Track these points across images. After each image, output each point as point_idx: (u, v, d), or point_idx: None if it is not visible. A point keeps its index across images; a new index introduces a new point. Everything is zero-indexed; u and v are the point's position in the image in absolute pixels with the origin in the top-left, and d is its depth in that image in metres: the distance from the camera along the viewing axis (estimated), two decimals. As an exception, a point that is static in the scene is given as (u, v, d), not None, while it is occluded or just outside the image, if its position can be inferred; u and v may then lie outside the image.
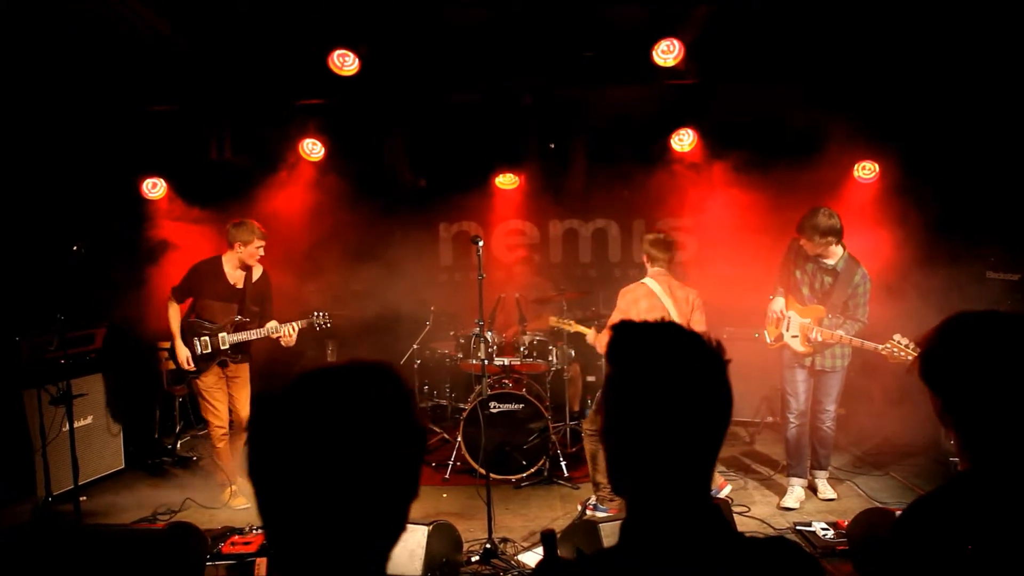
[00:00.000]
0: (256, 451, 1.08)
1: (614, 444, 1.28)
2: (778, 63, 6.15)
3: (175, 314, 5.34)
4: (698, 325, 4.96)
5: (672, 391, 1.20)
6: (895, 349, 4.50)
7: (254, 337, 5.39)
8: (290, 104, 7.12)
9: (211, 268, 5.34)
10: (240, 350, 5.42)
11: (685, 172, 7.34)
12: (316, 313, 5.40)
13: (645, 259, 5.11)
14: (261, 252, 5.32)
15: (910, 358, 4.46)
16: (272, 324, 5.40)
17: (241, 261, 5.31)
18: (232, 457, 5.45)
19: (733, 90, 6.65)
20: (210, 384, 5.36)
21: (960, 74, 5.96)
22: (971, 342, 1.52)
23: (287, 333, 5.32)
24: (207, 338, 5.29)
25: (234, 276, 5.37)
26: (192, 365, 5.28)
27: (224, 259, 5.34)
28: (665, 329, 1.29)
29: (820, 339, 4.81)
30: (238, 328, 5.36)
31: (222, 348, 5.32)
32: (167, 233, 7.07)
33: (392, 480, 1.09)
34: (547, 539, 1.38)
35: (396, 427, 1.09)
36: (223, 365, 5.41)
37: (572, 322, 5.60)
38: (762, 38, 5.99)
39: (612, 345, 1.29)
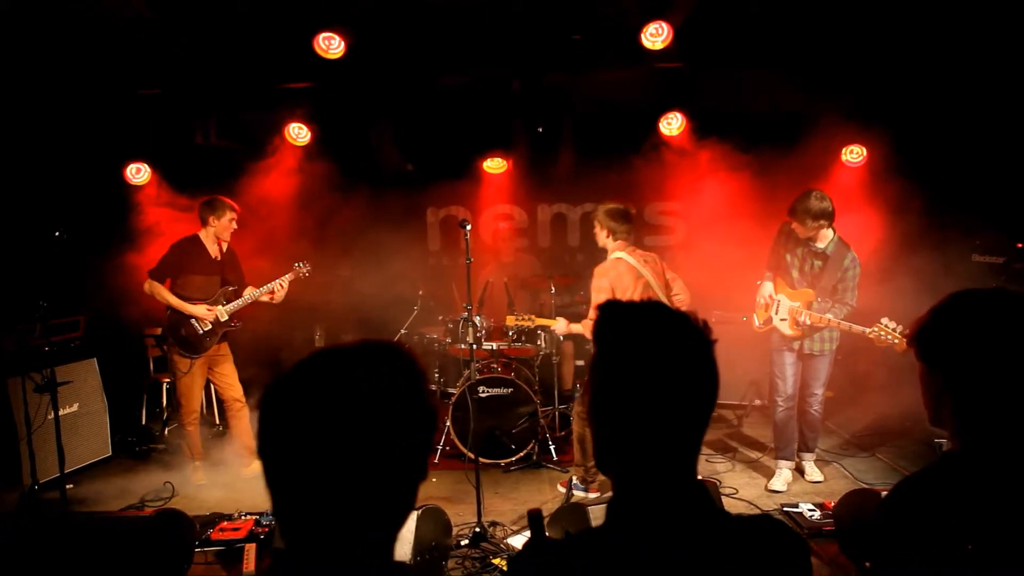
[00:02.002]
0: (267, 430, 1.07)
1: (601, 423, 1.28)
2: (767, 47, 6.13)
3: (163, 289, 5.30)
4: (677, 284, 4.97)
5: (659, 371, 1.20)
6: (882, 333, 4.52)
7: (248, 302, 5.47)
8: (275, 88, 7.04)
9: (192, 243, 5.42)
10: (236, 320, 5.51)
11: (673, 156, 7.33)
12: (298, 264, 5.57)
13: (606, 234, 4.84)
14: (234, 225, 5.44)
15: (896, 341, 4.48)
16: (251, 289, 5.52)
17: (217, 236, 5.42)
18: (198, 438, 5.60)
19: (722, 74, 6.64)
20: (196, 366, 5.40)
21: (947, 58, 5.97)
22: (980, 317, 1.51)
23: (276, 288, 5.45)
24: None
25: (213, 250, 5.46)
26: (224, 316, 5.35)
27: (201, 235, 5.43)
28: (651, 308, 1.29)
29: (809, 322, 4.83)
30: (229, 298, 5.44)
31: (222, 321, 5.38)
32: (152, 219, 7.00)
33: (402, 460, 1.09)
34: (534, 519, 1.38)
35: (407, 407, 1.09)
36: (221, 340, 5.48)
37: (532, 316, 5.38)
38: (750, 22, 5.96)
39: (598, 325, 1.28)
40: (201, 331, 5.33)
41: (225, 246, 5.55)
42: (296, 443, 1.04)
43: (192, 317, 5.30)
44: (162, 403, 6.73)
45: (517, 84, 7.07)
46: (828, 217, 4.75)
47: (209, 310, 5.31)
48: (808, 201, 4.72)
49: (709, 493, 1.24)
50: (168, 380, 6.75)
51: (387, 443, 1.06)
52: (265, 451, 1.07)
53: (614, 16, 6.12)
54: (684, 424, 1.23)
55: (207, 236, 5.42)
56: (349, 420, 1.03)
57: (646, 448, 1.22)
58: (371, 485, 1.05)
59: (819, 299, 4.88)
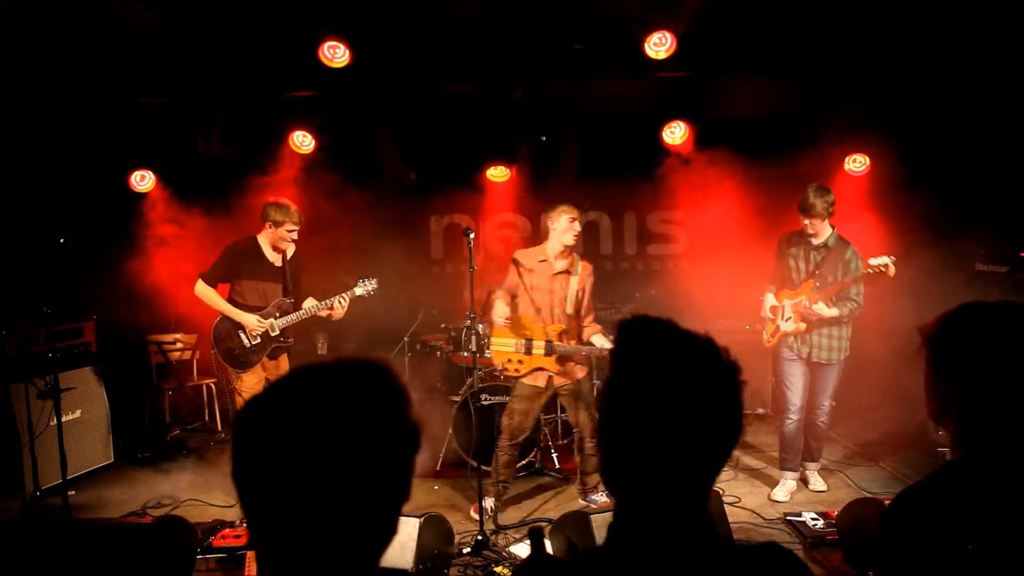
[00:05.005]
0: (242, 452, 1.03)
1: (610, 443, 1.23)
2: (770, 56, 6.15)
3: (215, 293, 4.97)
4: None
5: (678, 403, 1.15)
6: (879, 268, 4.48)
7: (303, 318, 5.08)
8: (280, 96, 7.08)
9: (250, 245, 5.06)
10: (288, 336, 5.14)
11: (676, 165, 7.34)
12: (362, 280, 5.10)
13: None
14: (293, 237, 5.03)
15: (886, 268, 4.45)
16: (311, 302, 5.14)
17: (272, 243, 5.06)
18: None
19: (724, 83, 6.65)
20: (251, 385, 5.02)
21: (951, 67, 5.99)
22: (992, 332, 1.51)
23: (336, 306, 5.01)
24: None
25: (272, 256, 5.10)
26: (263, 327, 4.97)
27: (259, 238, 5.07)
28: (677, 336, 1.23)
29: (810, 305, 4.76)
30: (284, 311, 5.07)
31: (272, 335, 5.03)
32: (156, 225, 7.04)
33: (383, 483, 1.05)
34: (534, 537, 1.36)
35: (388, 427, 1.06)
36: (274, 356, 5.14)
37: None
38: (753, 31, 5.99)
39: (618, 343, 1.23)
40: (248, 344, 4.98)
41: (290, 253, 5.18)
42: (272, 465, 1.00)
43: (240, 328, 4.97)
44: (164, 410, 6.73)
45: (520, 93, 7.10)
46: (831, 205, 4.74)
47: (260, 322, 4.96)
48: (815, 189, 4.73)
49: (716, 526, 1.19)
50: (172, 388, 6.76)
51: (366, 464, 1.02)
52: (240, 473, 1.03)
53: (616, 26, 6.15)
54: (699, 456, 1.18)
55: (264, 239, 5.06)
56: (324, 440, 1.00)
57: (654, 478, 1.17)
58: (349, 509, 1.02)
59: (817, 284, 4.84)
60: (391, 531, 1.10)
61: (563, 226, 4.80)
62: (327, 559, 1.03)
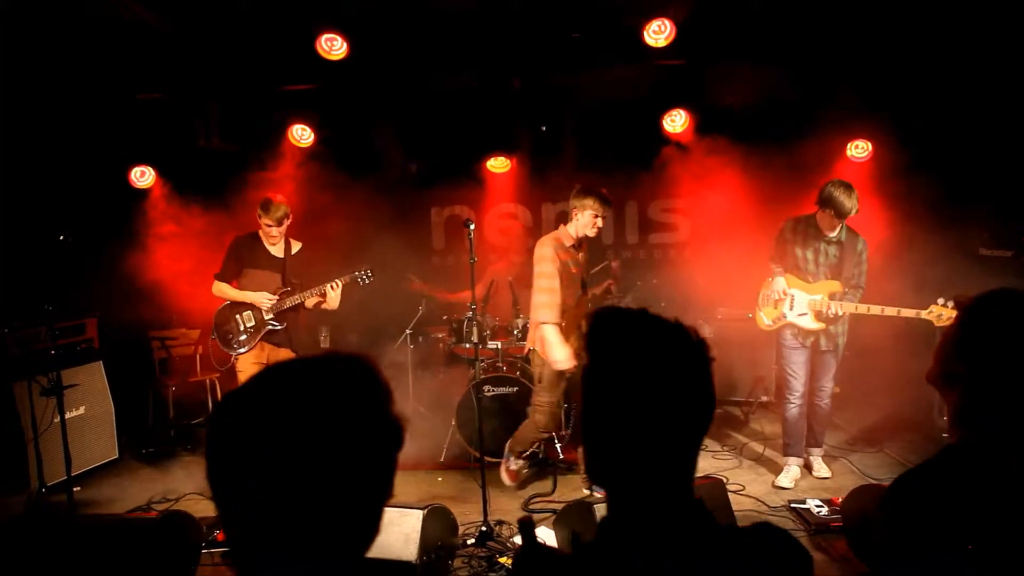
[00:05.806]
0: (216, 449, 1.01)
1: (593, 435, 1.24)
2: (770, 42, 6.10)
3: (227, 286, 5.19)
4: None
5: (655, 385, 1.17)
6: (941, 312, 4.46)
7: (296, 302, 5.17)
8: (278, 90, 7.06)
9: (250, 238, 5.25)
10: (282, 321, 5.21)
11: (677, 153, 7.31)
12: (359, 271, 5.18)
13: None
14: (272, 232, 5.13)
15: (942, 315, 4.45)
16: (308, 291, 5.23)
17: (261, 234, 5.21)
18: None
19: (725, 70, 6.60)
20: (245, 367, 5.19)
21: (953, 48, 5.93)
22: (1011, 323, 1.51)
23: (329, 291, 5.09)
24: (249, 311, 5.18)
25: (271, 247, 5.25)
26: (272, 299, 5.12)
27: (260, 232, 5.22)
28: (647, 320, 1.25)
29: (840, 312, 4.78)
30: (279, 297, 5.21)
31: (266, 319, 5.17)
32: (157, 221, 7.03)
33: (364, 482, 1.04)
34: (524, 527, 1.34)
35: (369, 423, 1.04)
36: (272, 341, 5.23)
37: None
38: (753, 16, 5.94)
39: (591, 334, 1.25)
40: (243, 327, 5.17)
41: (296, 248, 5.35)
42: (246, 464, 0.98)
43: (239, 312, 5.16)
44: (168, 405, 6.73)
45: (519, 83, 7.06)
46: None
47: (269, 297, 5.11)
48: (842, 193, 4.66)
49: (707, 509, 1.21)
50: (175, 384, 6.76)
51: (345, 462, 1.00)
52: (213, 470, 1.01)
53: (614, 13, 6.11)
54: (678, 440, 1.20)
55: (263, 233, 5.22)
56: (301, 437, 0.98)
57: (639, 463, 1.19)
58: (329, 508, 1.00)
59: (846, 291, 4.87)
60: (373, 528, 1.08)
61: (586, 220, 4.82)
62: (306, 557, 1.01)
